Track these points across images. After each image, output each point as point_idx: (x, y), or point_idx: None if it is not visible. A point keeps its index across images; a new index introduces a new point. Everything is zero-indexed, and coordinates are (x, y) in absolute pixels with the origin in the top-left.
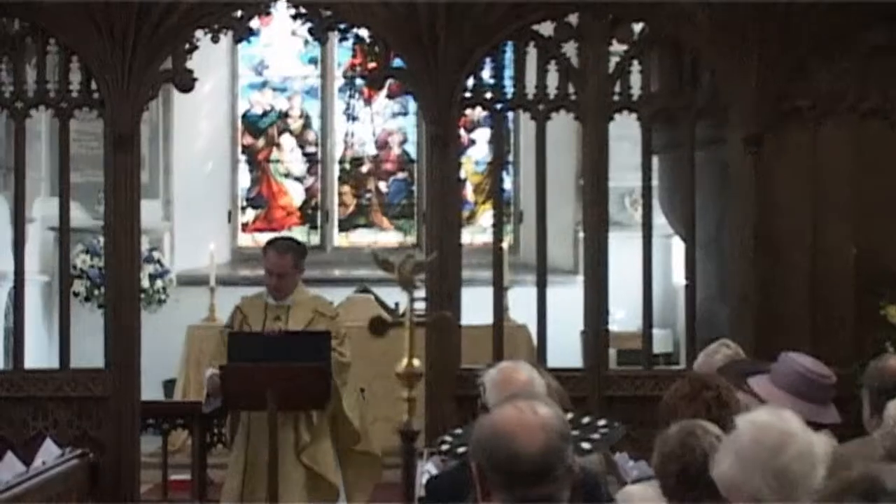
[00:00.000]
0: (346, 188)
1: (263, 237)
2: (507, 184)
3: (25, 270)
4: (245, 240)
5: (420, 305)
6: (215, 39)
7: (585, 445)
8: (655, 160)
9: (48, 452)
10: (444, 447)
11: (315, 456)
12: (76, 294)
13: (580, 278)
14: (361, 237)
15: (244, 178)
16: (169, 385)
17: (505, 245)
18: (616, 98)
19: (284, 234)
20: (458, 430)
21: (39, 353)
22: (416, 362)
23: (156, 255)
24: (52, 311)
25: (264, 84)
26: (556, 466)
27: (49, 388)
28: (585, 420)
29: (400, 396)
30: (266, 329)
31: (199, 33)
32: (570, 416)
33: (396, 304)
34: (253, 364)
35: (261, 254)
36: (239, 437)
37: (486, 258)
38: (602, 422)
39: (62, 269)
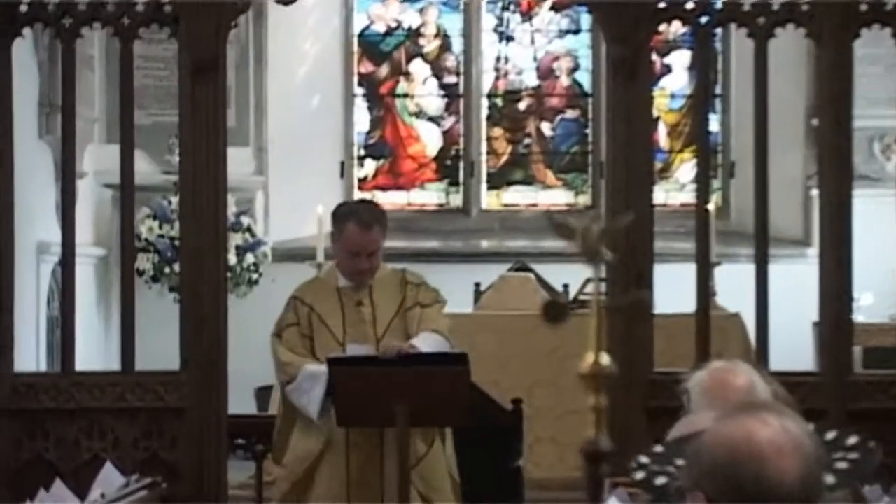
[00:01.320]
0: (498, 131)
1: (389, 197)
2: (714, 125)
3: (76, 242)
4: None
5: (593, 288)
6: None
7: (829, 479)
8: None
9: (108, 481)
10: (639, 475)
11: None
12: (141, 273)
13: (813, 251)
14: (518, 197)
15: (362, 119)
16: (263, 393)
17: (711, 207)
18: (863, 8)
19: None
20: (658, 449)
21: (94, 352)
22: (605, 359)
23: (245, 220)
24: (111, 296)
25: None
26: (814, 500)
27: (108, 397)
28: (829, 436)
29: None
30: (382, 349)
31: None
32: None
33: (565, 287)
34: (375, 367)
35: (338, 228)
36: (331, 456)
37: (685, 224)
38: (852, 439)
39: (124, 239)
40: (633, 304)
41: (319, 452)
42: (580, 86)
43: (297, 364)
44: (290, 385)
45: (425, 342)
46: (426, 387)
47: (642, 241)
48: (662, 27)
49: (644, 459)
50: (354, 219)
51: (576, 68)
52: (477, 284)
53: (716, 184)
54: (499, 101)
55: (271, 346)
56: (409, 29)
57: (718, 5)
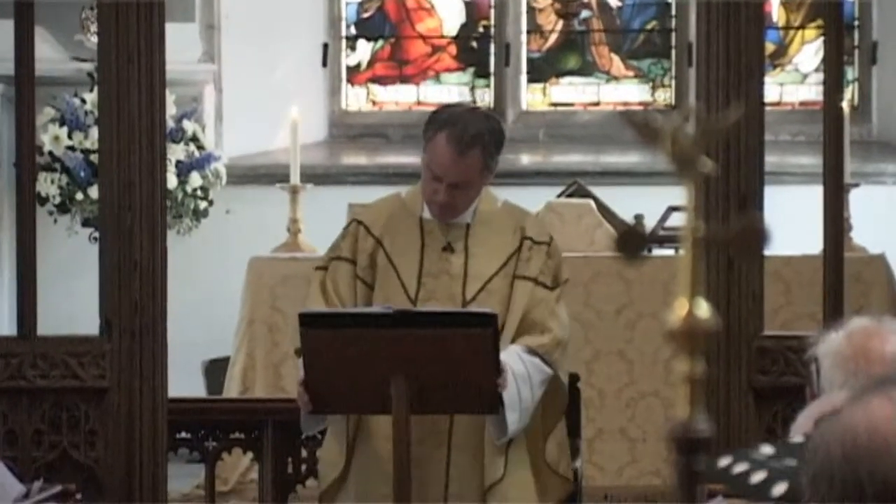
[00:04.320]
0: (544, 1)
1: (391, 94)
2: None
3: None
4: (356, 98)
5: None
6: None
7: None
8: None
9: (0, 487)
10: (737, 468)
11: (511, 499)
12: (44, 200)
13: None
14: (571, 93)
15: None
16: (216, 368)
17: (845, 106)
18: None
19: (405, 101)
20: (767, 450)
21: None
22: (702, 308)
23: (190, 127)
24: (1, 233)
25: None
26: None
27: None
28: None
29: (650, 389)
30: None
31: None
32: None
33: (638, 218)
34: (360, 330)
35: (428, 135)
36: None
37: (807, 131)
38: None
39: (20, 153)
40: (740, 235)
41: (343, 470)
42: None
43: None
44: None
45: (519, 366)
46: (435, 357)
47: (749, 152)
48: None
49: (750, 457)
50: (448, 130)
51: None
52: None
53: (851, 74)
54: None
55: (312, 285)
56: None
57: None
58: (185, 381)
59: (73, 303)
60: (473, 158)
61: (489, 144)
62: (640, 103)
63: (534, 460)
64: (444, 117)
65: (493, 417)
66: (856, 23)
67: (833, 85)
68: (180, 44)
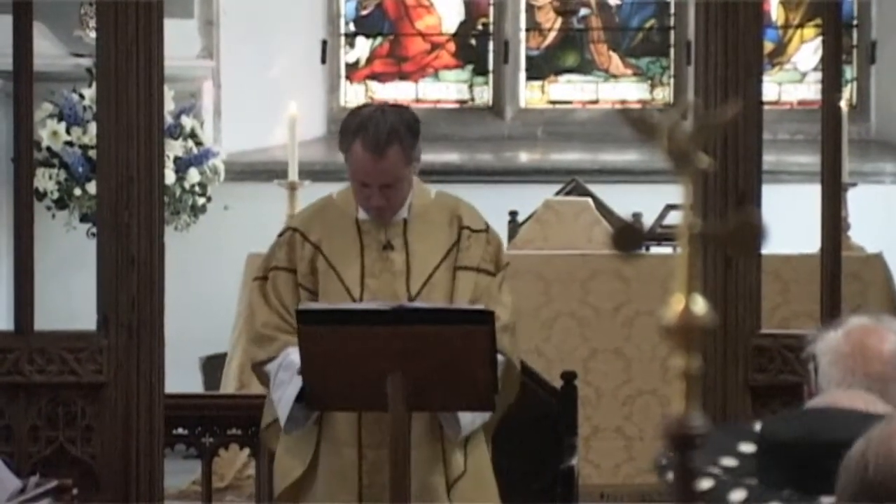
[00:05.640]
0: None
1: (389, 90)
2: None
3: None
4: (353, 94)
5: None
6: None
7: None
8: None
9: None
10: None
11: (474, 495)
12: (41, 195)
13: None
14: (570, 91)
15: None
16: (213, 364)
17: (843, 105)
18: None
19: (404, 98)
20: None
21: None
22: (698, 304)
23: (188, 122)
24: None
25: None
26: None
27: None
28: None
29: (647, 387)
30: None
31: None
32: None
33: (636, 217)
34: (357, 327)
35: (343, 145)
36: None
37: (805, 129)
38: None
39: (18, 149)
40: (737, 231)
41: (300, 477)
42: None
43: (277, 340)
44: (266, 366)
45: None
46: (431, 353)
47: (747, 150)
48: None
49: (724, 462)
50: (362, 136)
51: None
52: (513, 213)
53: (849, 73)
54: None
55: (248, 296)
56: None
57: None
58: (182, 377)
59: (70, 298)
60: (394, 155)
61: (405, 136)
62: (639, 101)
63: (487, 436)
64: (355, 124)
65: (448, 416)
66: (854, 22)
67: (831, 84)
68: (179, 40)
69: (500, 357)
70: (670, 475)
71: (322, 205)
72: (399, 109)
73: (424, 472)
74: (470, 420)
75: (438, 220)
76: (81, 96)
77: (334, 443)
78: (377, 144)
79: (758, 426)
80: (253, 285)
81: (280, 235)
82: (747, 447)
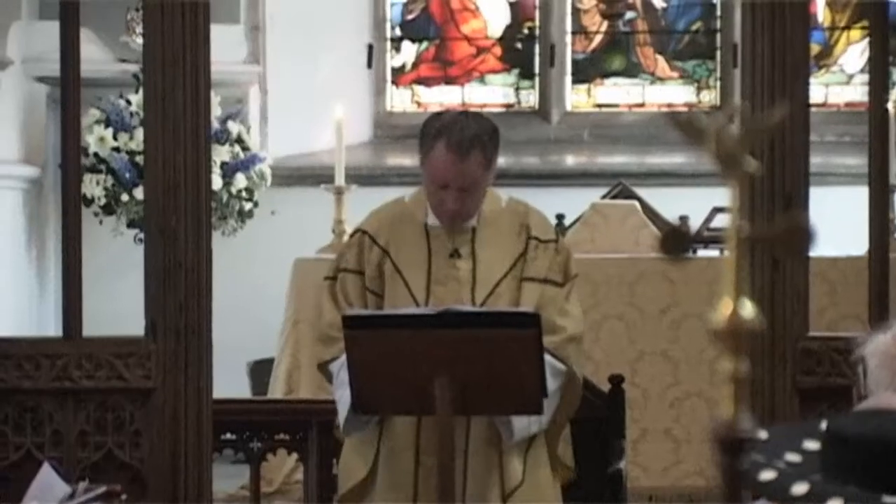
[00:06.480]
0: (589, 2)
1: (435, 94)
2: None
3: None
4: (400, 99)
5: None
6: None
7: None
8: None
9: (45, 490)
10: (765, 476)
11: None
12: (89, 201)
13: None
14: (616, 94)
15: None
16: (261, 369)
17: (890, 106)
18: None
19: (450, 103)
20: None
21: (24, 311)
22: (747, 308)
23: (235, 128)
24: (46, 234)
25: None
26: None
27: (44, 374)
28: None
29: (695, 389)
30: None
31: None
32: None
33: (683, 219)
34: (403, 331)
35: (424, 148)
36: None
37: (852, 132)
38: None
39: (65, 155)
40: (784, 234)
41: (364, 478)
42: None
43: (342, 341)
44: (330, 365)
45: None
46: (478, 357)
47: (794, 152)
48: None
49: (777, 462)
50: (445, 138)
51: None
52: (559, 217)
53: None
54: None
55: (322, 296)
56: None
57: None
58: (230, 382)
59: (118, 304)
60: (476, 159)
61: (488, 143)
62: (685, 104)
63: (551, 453)
64: (437, 126)
65: (502, 420)
66: None
67: (878, 86)
68: (225, 45)
69: (562, 367)
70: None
71: (393, 207)
72: (481, 117)
73: (480, 480)
74: (524, 425)
75: (507, 229)
76: (128, 102)
77: (393, 447)
78: (461, 145)
79: (824, 424)
80: (323, 285)
81: (351, 236)
82: (812, 444)
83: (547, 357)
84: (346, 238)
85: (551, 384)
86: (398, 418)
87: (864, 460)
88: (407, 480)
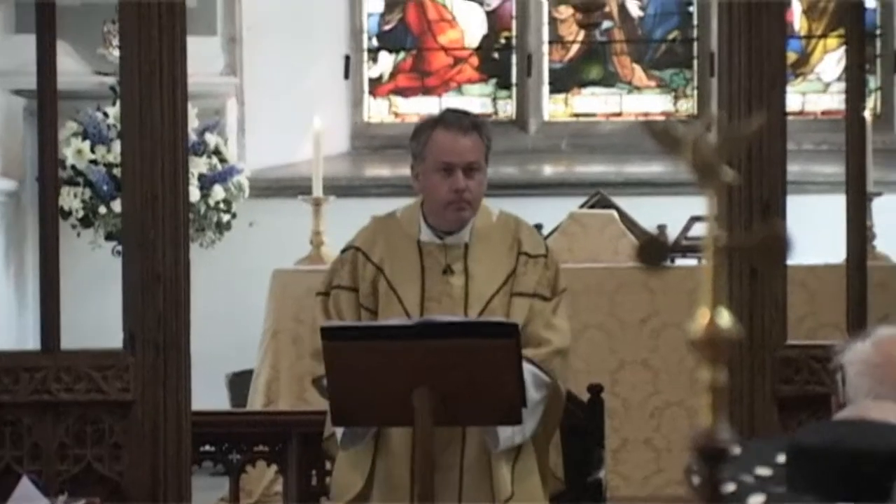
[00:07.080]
0: (566, 11)
1: (413, 105)
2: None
3: None
4: (378, 110)
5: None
6: None
7: None
8: None
9: (25, 501)
10: (729, 487)
11: None
12: (67, 214)
13: None
14: (594, 103)
15: None
16: (240, 381)
17: (867, 114)
18: None
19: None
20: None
21: (0, 324)
22: (724, 317)
23: (212, 140)
24: (24, 247)
25: None
26: None
27: (23, 387)
28: None
29: (674, 399)
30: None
31: None
32: None
33: (661, 228)
34: (381, 342)
35: (419, 146)
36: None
37: (829, 139)
38: None
39: (42, 168)
40: (762, 242)
41: (360, 491)
42: None
43: None
44: (324, 380)
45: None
46: (457, 367)
47: (771, 161)
48: None
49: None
50: (443, 123)
51: None
52: (537, 226)
53: (873, 82)
54: None
55: (315, 311)
56: None
57: None
58: (209, 394)
59: (96, 316)
60: (475, 139)
61: (483, 127)
62: (663, 113)
63: (541, 464)
64: (431, 120)
65: (488, 428)
66: (878, 31)
67: (855, 94)
68: (203, 57)
69: (547, 379)
70: (696, 479)
71: (386, 223)
72: (473, 113)
73: (474, 495)
74: (509, 435)
75: (499, 244)
76: (105, 115)
77: (389, 458)
78: (461, 124)
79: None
80: (316, 300)
81: (343, 252)
82: (783, 458)
83: (532, 368)
84: (323, 248)
85: (535, 395)
86: (394, 432)
87: (821, 470)
88: (403, 495)
